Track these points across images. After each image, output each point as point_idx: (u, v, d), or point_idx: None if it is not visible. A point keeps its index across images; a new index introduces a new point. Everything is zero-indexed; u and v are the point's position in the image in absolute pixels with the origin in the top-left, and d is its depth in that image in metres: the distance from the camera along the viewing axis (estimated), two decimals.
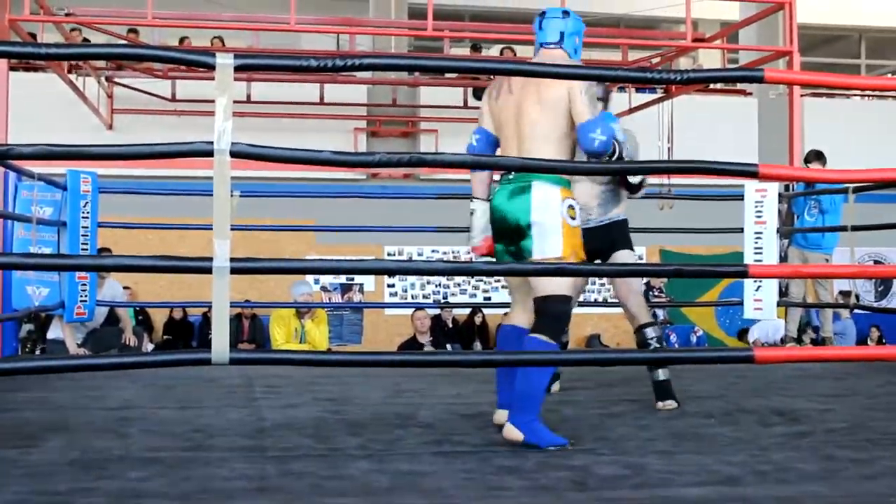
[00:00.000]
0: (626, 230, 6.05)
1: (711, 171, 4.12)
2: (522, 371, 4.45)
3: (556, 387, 6.18)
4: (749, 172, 4.21)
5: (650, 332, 5.82)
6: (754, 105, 16.84)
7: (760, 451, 4.38)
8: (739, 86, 17.40)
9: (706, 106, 16.30)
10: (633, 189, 5.86)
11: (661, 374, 5.70)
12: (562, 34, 4.82)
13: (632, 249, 6.03)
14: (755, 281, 7.98)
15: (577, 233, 4.59)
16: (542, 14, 4.93)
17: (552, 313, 4.54)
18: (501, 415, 4.76)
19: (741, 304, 8.37)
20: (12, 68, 10.09)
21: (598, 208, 5.95)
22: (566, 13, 4.90)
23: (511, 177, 4.58)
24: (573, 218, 4.55)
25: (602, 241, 5.88)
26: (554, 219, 4.48)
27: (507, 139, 4.72)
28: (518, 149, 4.64)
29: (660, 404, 5.61)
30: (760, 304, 8.16)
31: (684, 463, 4.09)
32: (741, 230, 8.04)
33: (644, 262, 15.16)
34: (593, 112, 4.53)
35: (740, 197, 8.06)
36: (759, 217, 7.96)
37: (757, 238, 7.95)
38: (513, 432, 4.41)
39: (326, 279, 15.61)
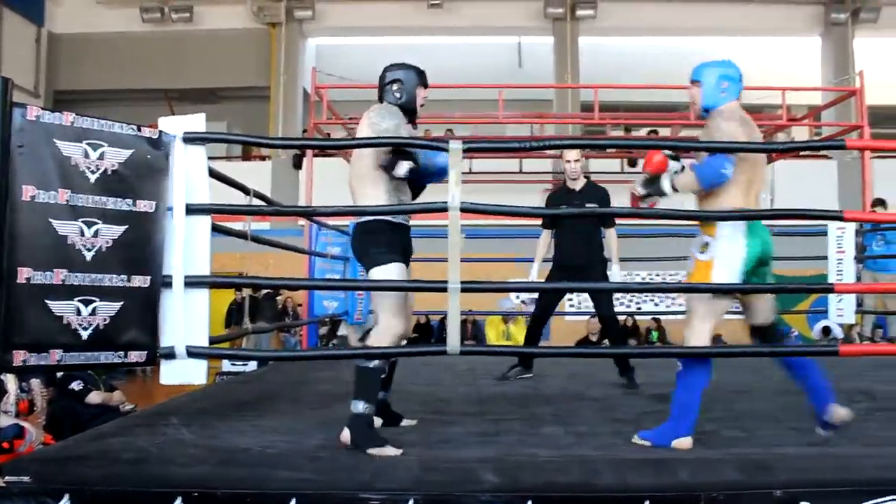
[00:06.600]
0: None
1: (812, 217, 3.84)
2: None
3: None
4: (837, 217, 3.98)
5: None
6: (835, 166, 16.10)
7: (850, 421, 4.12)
8: (823, 152, 16.63)
9: (798, 167, 15.64)
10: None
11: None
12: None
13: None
14: (838, 295, 7.74)
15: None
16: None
17: None
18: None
19: (826, 312, 8.14)
20: (315, 155, 10.52)
21: None
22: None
23: None
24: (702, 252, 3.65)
25: None
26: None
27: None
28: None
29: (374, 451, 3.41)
30: (842, 311, 7.89)
31: (790, 429, 3.90)
32: (825, 258, 7.78)
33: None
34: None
35: (824, 233, 7.78)
36: (839, 248, 7.76)
37: (838, 263, 7.73)
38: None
39: (524, 295, 15.54)
